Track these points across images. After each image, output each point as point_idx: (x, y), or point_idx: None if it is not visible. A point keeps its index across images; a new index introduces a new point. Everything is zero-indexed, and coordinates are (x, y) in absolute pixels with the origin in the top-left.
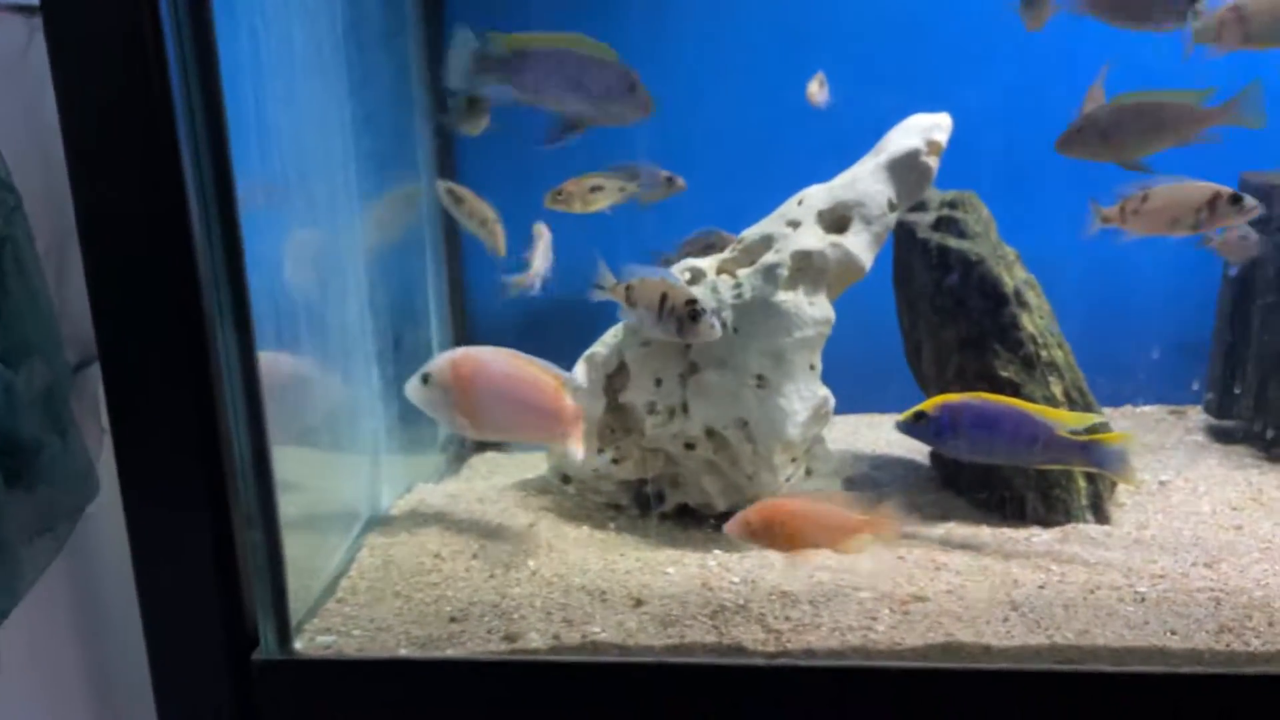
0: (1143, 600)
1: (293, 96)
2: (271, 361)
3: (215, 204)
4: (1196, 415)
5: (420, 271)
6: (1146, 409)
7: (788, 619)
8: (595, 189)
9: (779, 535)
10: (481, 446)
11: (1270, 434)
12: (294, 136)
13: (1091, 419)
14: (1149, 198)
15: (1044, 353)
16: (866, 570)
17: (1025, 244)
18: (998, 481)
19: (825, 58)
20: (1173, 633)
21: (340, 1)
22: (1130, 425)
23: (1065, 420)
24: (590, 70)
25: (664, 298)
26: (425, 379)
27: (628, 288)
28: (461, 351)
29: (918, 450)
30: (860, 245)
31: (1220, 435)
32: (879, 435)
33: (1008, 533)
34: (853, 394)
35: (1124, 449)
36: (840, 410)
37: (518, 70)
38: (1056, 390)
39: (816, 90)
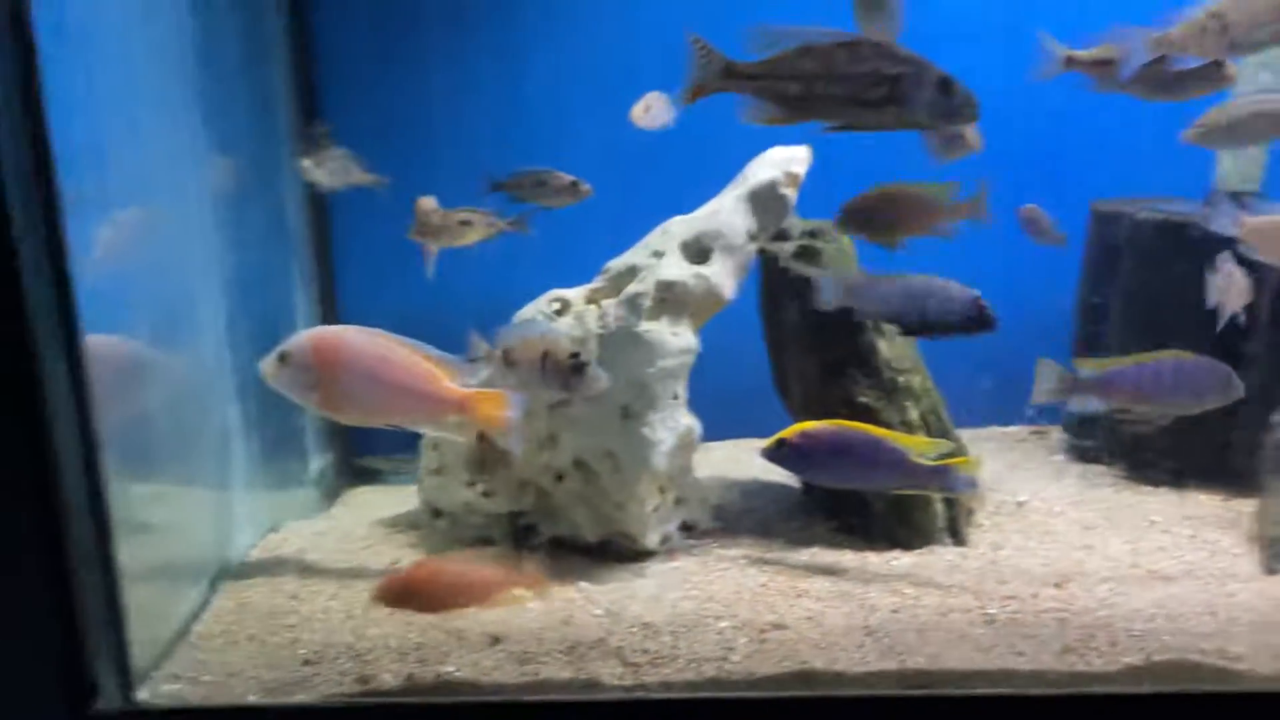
0: (992, 622)
1: (136, 128)
2: (112, 387)
3: (44, 237)
4: (1059, 435)
5: (288, 300)
6: (1011, 429)
7: (646, 651)
8: (464, 223)
9: (424, 599)
10: (356, 480)
11: (1125, 452)
12: (137, 167)
13: (943, 445)
14: None
15: (901, 378)
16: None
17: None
18: (859, 506)
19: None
20: (1020, 654)
21: (192, 33)
22: (995, 447)
23: (918, 447)
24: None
25: (545, 355)
26: (282, 357)
27: (505, 351)
28: (324, 329)
29: (791, 475)
30: (722, 275)
31: (1081, 454)
32: (756, 461)
33: (869, 557)
34: (733, 420)
35: (972, 474)
36: (720, 436)
37: None
38: (914, 415)
39: (642, 114)
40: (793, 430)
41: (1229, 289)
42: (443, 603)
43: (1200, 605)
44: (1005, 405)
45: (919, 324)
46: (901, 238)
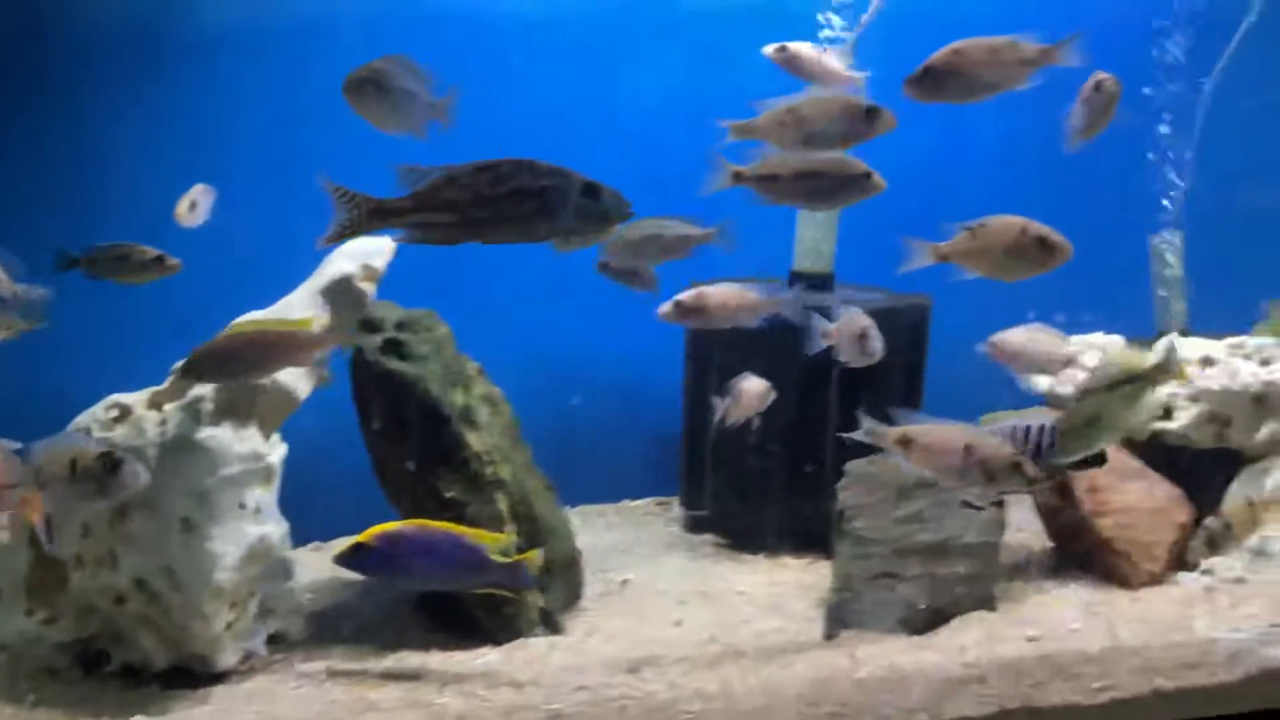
0: (558, 718)
1: None
2: None
3: None
4: (678, 507)
5: None
6: (637, 503)
7: None
8: None
9: None
10: None
11: (726, 521)
12: None
13: (507, 539)
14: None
15: (490, 470)
16: None
17: (506, 350)
18: (454, 602)
19: None
20: None
21: None
22: (617, 521)
23: (494, 543)
24: None
25: (73, 463)
26: None
27: (35, 472)
28: None
29: None
30: (293, 374)
31: (693, 525)
32: None
33: (457, 656)
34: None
35: (534, 570)
36: (346, 531)
37: None
38: (503, 506)
39: (186, 212)
40: (371, 533)
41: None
42: None
43: (757, 682)
44: (628, 481)
45: None
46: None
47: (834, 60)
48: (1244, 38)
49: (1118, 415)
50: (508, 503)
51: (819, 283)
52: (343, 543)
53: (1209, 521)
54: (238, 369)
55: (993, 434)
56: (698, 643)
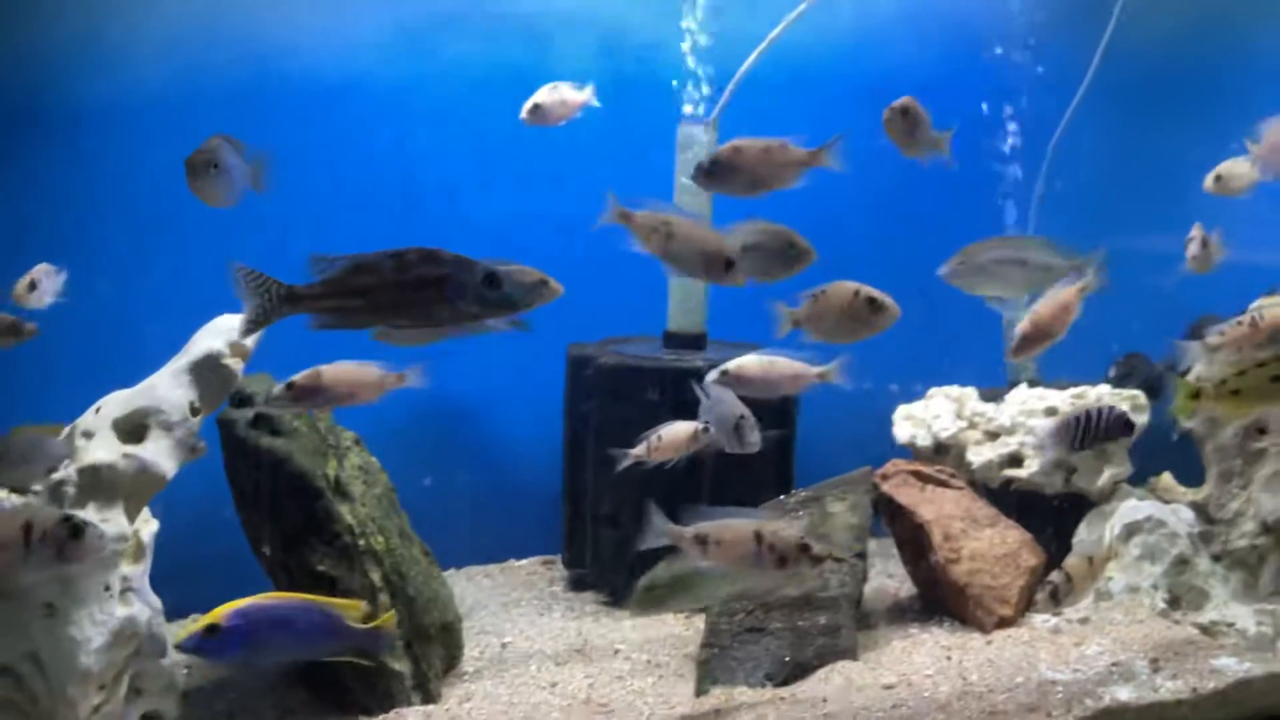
0: None
1: None
2: None
3: None
4: (561, 566)
5: None
6: (521, 563)
7: None
8: None
9: None
10: None
11: (607, 579)
12: None
13: (357, 606)
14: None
15: (363, 541)
16: None
17: (391, 416)
18: (328, 674)
19: None
20: None
21: None
22: (503, 582)
23: (349, 610)
24: None
25: (27, 527)
26: None
27: None
28: None
29: None
30: (160, 453)
31: (574, 584)
32: None
33: None
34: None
35: (391, 634)
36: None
37: None
38: (375, 577)
39: (24, 292)
40: (220, 612)
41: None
42: None
43: None
44: (513, 541)
45: None
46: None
47: (570, 91)
48: (1084, 96)
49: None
50: (380, 573)
51: (691, 342)
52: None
53: (1053, 576)
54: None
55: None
56: (572, 704)
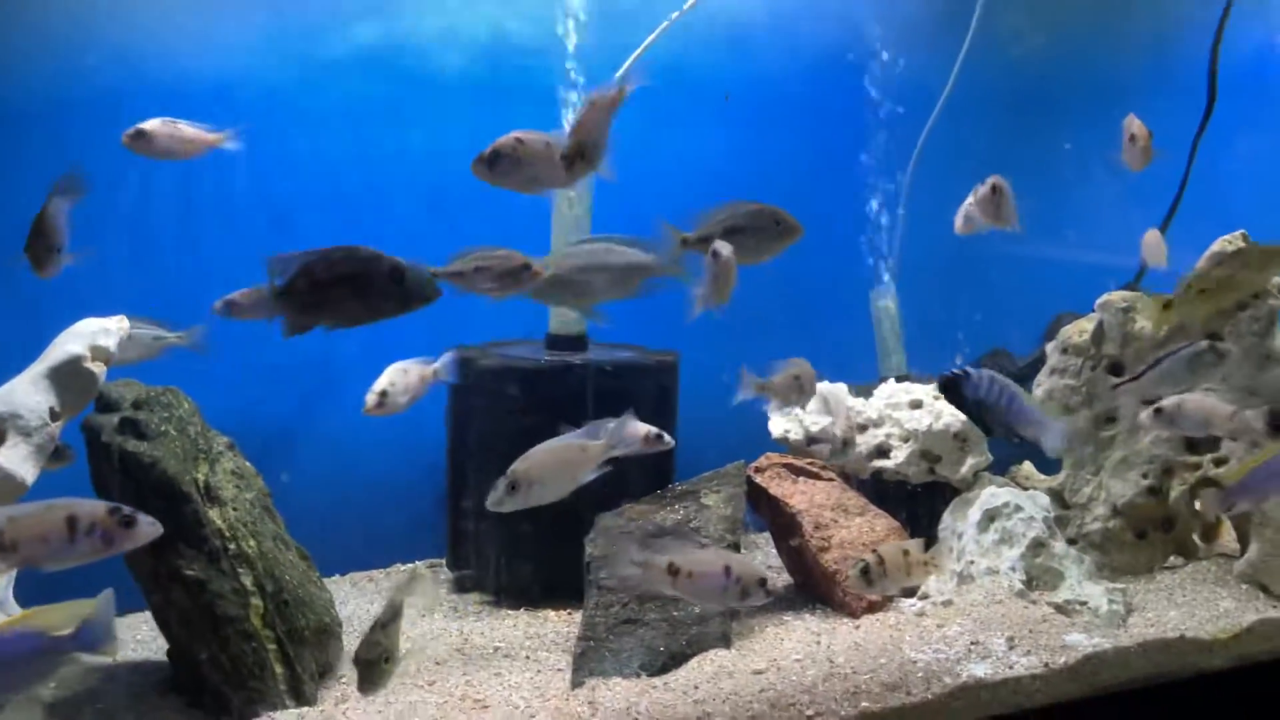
0: None
1: None
2: None
3: None
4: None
5: None
6: (408, 566)
7: None
8: None
9: None
10: None
11: (491, 579)
12: None
13: (66, 611)
14: None
15: (234, 545)
16: None
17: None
18: (197, 677)
19: None
20: None
21: None
22: (386, 586)
23: (53, 619)
24: None
25: (70, 521)
26: None
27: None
28: None
29: (155, 651)
30: (17, 459)
31: (459, 586)
32: (130, 635)
33: None
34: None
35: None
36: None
37: None
38: (247, 581)
39: None
40: None
41: None
42: None
43: None
44: (400, 545)
45: None
46: None
47: (190, 129)
48: (947, 102)
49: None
50: (252, 577)
51: (572, 343)
52: None
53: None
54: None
55: None
56: (449, 701)
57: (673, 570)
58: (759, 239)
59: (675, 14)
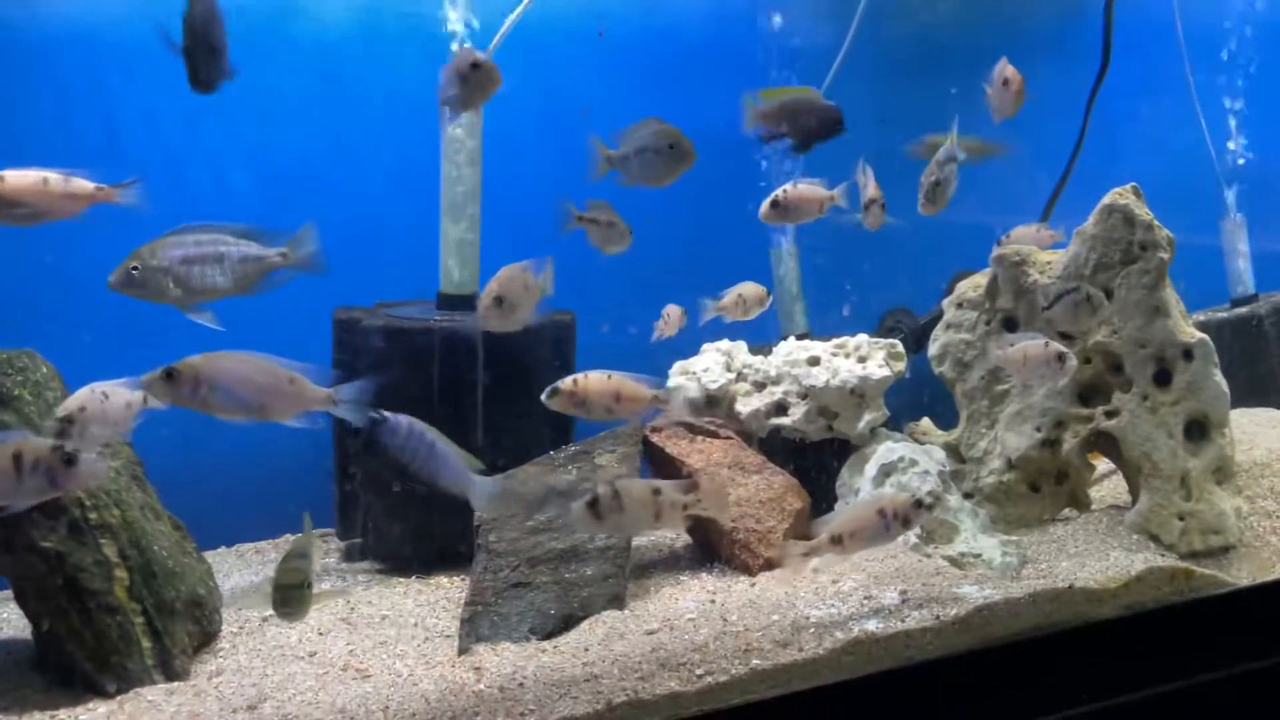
0: None
1: None
2: None
3: None
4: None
5: None
6: (296, 536)
7: None
8: None
9: None
10: None
11: (380, 547)
12: None
13: None
14: None
15: (95, 515)
16: None
17: None
18: (58, 654)
19: None
20: None
21: None
22: (277, 557)
23: None
24: None
25: (16, 456)
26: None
27: None
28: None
29: (21, 629)
30: None
31: (348, 555)
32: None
33: (60, 714)
34: None
35: None
36: None
37: None
38: (110, 552)
39: None
40: None
41: None
42: None
43: (378, 705)
44: (289, 516)
45: None
46: None
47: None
48: (844, 60)
49: None
50: (116, 548)
51: (465, 303)
52: None
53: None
54: None
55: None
56: (329, 672)
57: (836, 541)
58: (655, 161)
59: None
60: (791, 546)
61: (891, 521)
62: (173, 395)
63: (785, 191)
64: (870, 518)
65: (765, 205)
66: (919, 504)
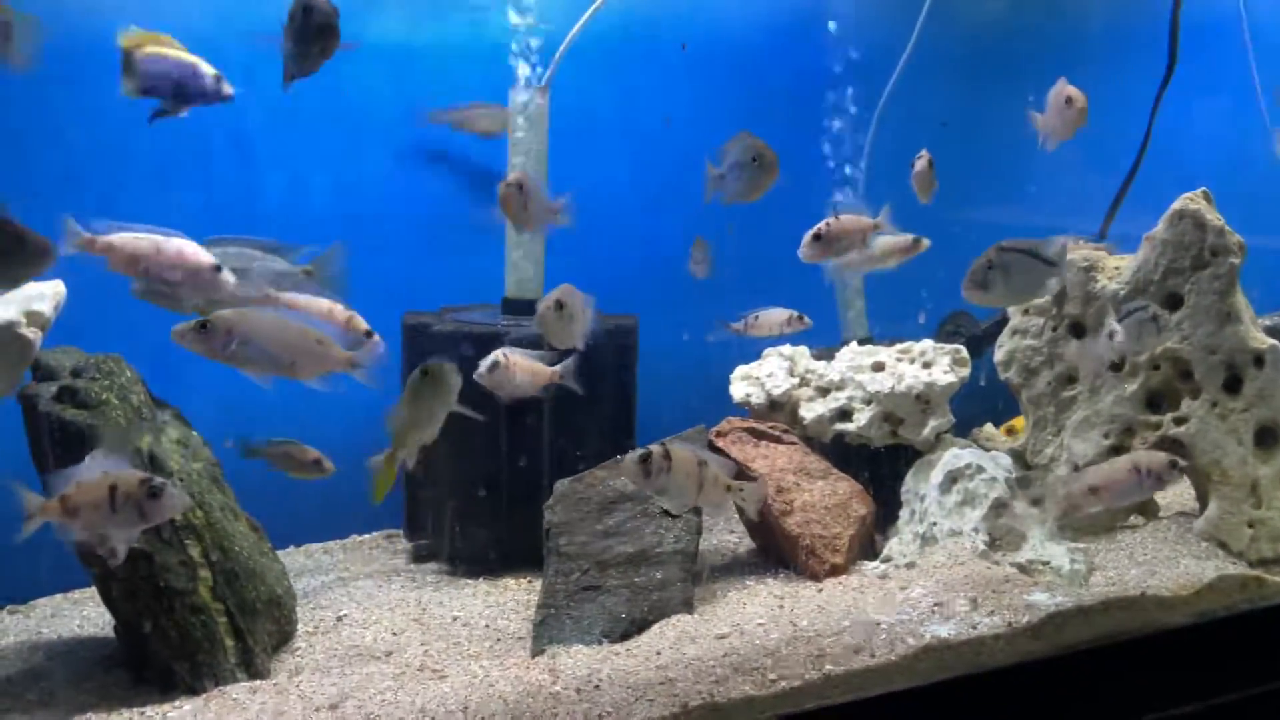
0: None
1: None
2: None
3: None
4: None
5: None
6: (364, 538)
7: None
8: None
9: None
10: None
11: (448, 550)
12: None
13: None
14: None
15: (180, 516)
16: None
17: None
18: (147, 656)
19: None
20: None
21: None
22: (343, 557)
23: None
24: None
25: (112, 489)
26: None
27: (62, 499)
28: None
29: (102, 627)
30: None
31: (416, 555)
32: (79, 612)
33: (149, 711)
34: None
35: None
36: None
37: None
38: (194, 552)
39: None
40: None
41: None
42: None
43: (458, 705)
44: (356, 516)
45: None
46: None
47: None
48: (908, 62)
49: None
50: (200, 548)
51: (528, 308)
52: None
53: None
54: None
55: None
56: (406, 672)
57: (1093, 490)
58: (743, 175)
59: None
60: (1058, 484)
61: (1145, 478)
62: (205, 347)
63: (828, 224)
64: (1126, 472)
65: (807, 239)
66: (1174, 464)
